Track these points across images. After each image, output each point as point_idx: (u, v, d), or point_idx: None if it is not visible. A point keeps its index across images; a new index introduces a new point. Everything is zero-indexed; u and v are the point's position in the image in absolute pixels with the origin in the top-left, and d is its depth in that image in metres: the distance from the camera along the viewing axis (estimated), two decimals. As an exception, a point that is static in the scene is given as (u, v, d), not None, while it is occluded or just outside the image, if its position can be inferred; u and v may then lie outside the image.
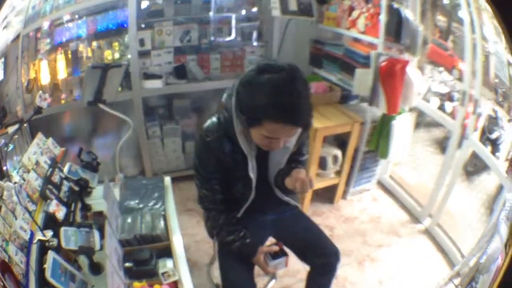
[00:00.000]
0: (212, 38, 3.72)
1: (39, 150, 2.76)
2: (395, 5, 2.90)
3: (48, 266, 2.08)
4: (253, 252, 2.09)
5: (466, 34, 2.65)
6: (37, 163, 2.66)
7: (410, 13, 2.89)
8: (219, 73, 3.77)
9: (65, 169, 2.81)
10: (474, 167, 2.84)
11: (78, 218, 2.68)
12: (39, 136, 2.86)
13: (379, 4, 3.04)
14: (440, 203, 3.25)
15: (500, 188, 2.08)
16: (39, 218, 2.43)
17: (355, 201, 3.92)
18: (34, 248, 2.22)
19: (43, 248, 2.23)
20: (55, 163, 2.80)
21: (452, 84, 2.92)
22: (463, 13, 2.71)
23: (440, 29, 2.95)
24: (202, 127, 1.96)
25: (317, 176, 3.72)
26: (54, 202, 2.48)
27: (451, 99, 2.91)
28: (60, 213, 2.48)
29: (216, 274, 2.63)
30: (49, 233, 2.31)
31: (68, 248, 2.24)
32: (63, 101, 3.56)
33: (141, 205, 2.89)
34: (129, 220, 2.70)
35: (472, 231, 2.42)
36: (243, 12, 3.82)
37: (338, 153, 3.66)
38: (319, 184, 3.77)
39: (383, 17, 3.01)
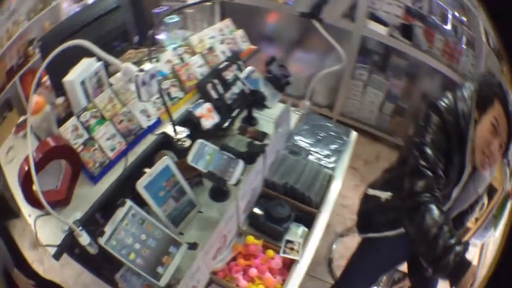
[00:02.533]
0: (433, 18, 3.28)
1: (219, 37, 2.16)
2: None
3: (151, 173, 1.49)
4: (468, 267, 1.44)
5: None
6: (210, 49, 2.07)
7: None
8: (439, 55, 3.27)
9: (245, 71, 2.11)
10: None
11: (235, 128, 2.09)
12: (227, 22, 2.27)
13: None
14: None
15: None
16: (181, 109, 1.86)
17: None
18: (150, 140, 1.67)
19: (161, 144, 1.67)
20: (236, 59, 2.16)
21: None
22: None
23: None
24: (437, 102, 1.59)
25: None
26: (207, 105, 1.88)
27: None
28: (208, 121, 1.86)
29: (338, 249, 2.38)
30: (183, 132, 1.68)
31: (194, 166, 1.63)
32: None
33: (312, 150, 2.15)
34: (289, 161, 1.97)
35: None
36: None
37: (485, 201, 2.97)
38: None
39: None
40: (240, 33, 2.26)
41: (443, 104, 1.58)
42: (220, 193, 1.79)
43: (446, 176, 1.56)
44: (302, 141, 2.17)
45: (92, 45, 1.23)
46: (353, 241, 2.58)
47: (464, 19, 3.17)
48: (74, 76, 1.51)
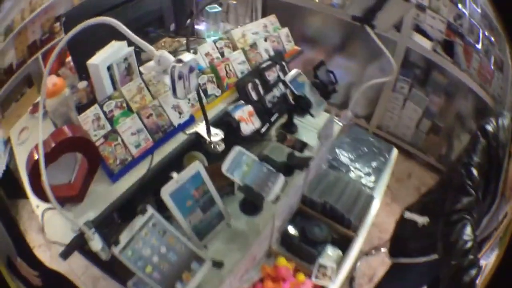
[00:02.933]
0: (470, 37, 3.24)
1: (262, 33, 1.97)
2: None
3: (179, 179, 1.29)
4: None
5: None
6: (253, 45, 1.87)
7: None
8: (475, 75, 3.22)
9: (290, 74, 1.91)
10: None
11: (273, 133, 1.92)
12: (272, 18, 2.07)
13: None
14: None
15: None
16: (216, 108, 1.64)
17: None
18: (180, 139, 1.46)
19: (192, 145, 1.48)
20: (279, 58, 1.95)
21: None
22: None
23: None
24: (485, 125, 1.60)
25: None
26: (247, 108, 1.66)
27: None
28: (248, 126, 1.64)
29: (361, 267, 2.30)
30: (218, 134, 1.45)
31: (229, 177, 1.42)
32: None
33: (353, 166, 1.97)
34: (330, 178, 1.79)
35: None
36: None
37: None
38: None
39: None
40: (285, 31, 2.04)
41: (490, 129, 1.59)
42: (252, 206, 1.57)
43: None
44: (343, 155, 1.99)
45: (121, 25, 1.01)
46: (377, 260, 2.47)
47: (493, 40, 3.08)
48: (101, 59, 1.31)
